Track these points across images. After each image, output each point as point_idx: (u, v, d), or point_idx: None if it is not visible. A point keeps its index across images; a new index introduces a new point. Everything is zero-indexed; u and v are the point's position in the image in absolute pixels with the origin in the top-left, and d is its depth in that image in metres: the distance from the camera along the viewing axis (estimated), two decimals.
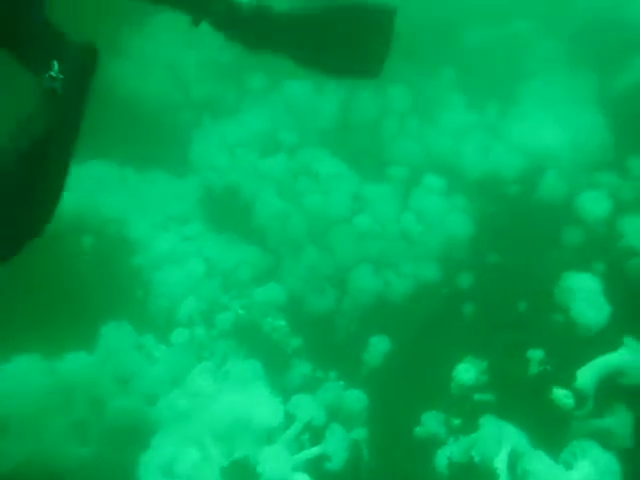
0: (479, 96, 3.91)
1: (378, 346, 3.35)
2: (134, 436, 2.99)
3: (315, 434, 2.54)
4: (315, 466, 2.42)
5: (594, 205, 3.37)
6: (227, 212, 3.99)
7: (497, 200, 3.62)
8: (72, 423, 2.95)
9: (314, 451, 2.42)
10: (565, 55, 4.02)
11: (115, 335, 3.21)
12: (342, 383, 3.23)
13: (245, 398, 2.48)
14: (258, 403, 2.44)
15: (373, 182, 3.82)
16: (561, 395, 2.66)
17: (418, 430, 2.85)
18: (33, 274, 3.37)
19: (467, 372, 2.92)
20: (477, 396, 2.84)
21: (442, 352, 3.08)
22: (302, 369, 3.35)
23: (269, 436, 2.42)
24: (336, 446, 2.42)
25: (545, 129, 3.61)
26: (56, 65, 1.89)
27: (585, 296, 2.91)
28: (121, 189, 3.96)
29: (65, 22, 2.21)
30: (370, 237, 3.68)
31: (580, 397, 2.62)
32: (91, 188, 3.81)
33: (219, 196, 3.99)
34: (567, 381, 2.69)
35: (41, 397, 2.87)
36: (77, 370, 3.01)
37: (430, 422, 2.84)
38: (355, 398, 3.05)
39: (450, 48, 4.04)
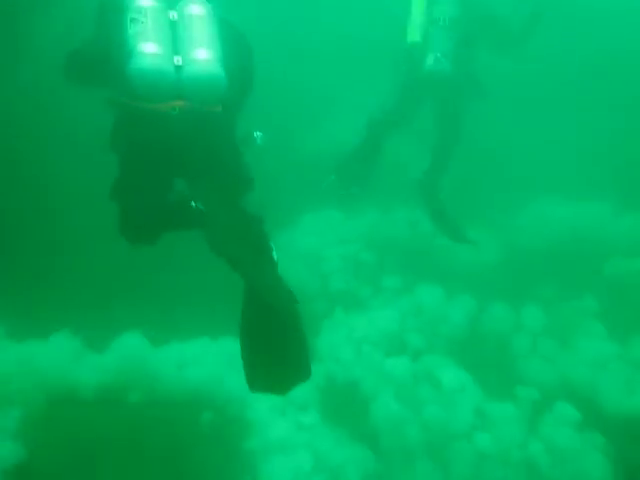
0: (622, 328, 3.72)
1: None
2: None
3: None
4: None
5: None
6: (344, 406, 3.97)
7: None
8: None
9: None
10: None
11: None
12: None
13: None
14: None
15: (498, 400, 3.64)
16: None
17: None
18: (150, 439, 3.52)
19: None
20: None
21: None
22: None
23: None
24: None
25: None
26: None
27: None
28: None
29: None
30: (490, 459, 3.42)
31: None
32: (221, 364, 3.99)
33: (339, 389, 4.00)
34: None
35: None
36: None
37: None
38: None
39: (593, 278, 3.98)
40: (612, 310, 3.88)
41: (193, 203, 2.45)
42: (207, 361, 3.99)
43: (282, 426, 3.82)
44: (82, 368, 3.66)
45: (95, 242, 3.99)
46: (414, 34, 3.82)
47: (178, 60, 2.37)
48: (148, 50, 2.34)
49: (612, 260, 4.08)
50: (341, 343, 4.12)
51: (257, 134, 2.60)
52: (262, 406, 3.92)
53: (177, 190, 2.52)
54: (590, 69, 4.85)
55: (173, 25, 2.44)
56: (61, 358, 3.63)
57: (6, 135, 4.15)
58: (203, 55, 2.39)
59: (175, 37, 2.42)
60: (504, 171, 4.80)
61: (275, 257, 2.46)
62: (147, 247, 2.49)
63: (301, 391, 4.08)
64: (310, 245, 4.79)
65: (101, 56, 2.45)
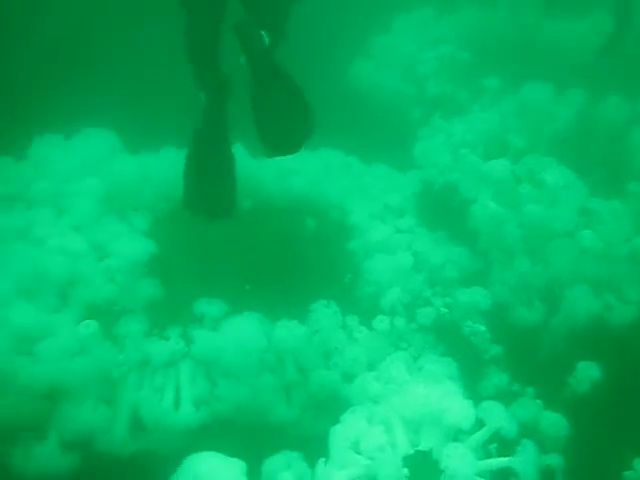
0: None
1: (586, 372, 3.13)
2: (329, 408, 3.25)
3: (504, 446, 2.49)
4: (499, 478, 2.37)
5: None
6: (442, 210, 4.03)
7: None
8: (281, 385, 3.27)
9: (502, 462, 2.37)
10: None
11: (324, 312, 3.46)
12: (540, 402, 3.09)
13: (437, 393, 2.52)
14: (450, 400, 2.46)
15: (605, 197, 3.53)
16: None
17: (629, 475, 2.62)
18: (260, 242, 3.82)
19: None
20: None
21: None
22: (497, 379, 3.28)
23: (456, 435, 2.43)
24: (527, 464, 2.33)
25: None
26: None
27: None
28: (346, 177, 4.21)
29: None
30: (593, 255, 3.42)
31: None
32: (320, 174, 4.12)
33: (437, 193, 4.04)
34: None
35: (258, 354, 3.24)
36: (289, 337, 3.31)
37: None
38: (553, 421, 2.90)
39: None
40: None
41: None
42: (307, 171, 4.12)
43: (382, 229, 3.96)
44: None
45: None
46: None
47: None
48: None
49: None
50: (439, 149, 4.07)
51: None
52: (362, 212, 4.06)
53: None
54: None
55: None
56: (172, 171, 3.87)
57: None
58: None
59: None
60: None
61: None
62: None
63: (398, 198, 4.18)
64: (403, 49, 4.57)
65: None
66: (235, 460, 2.38)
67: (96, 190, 3.58)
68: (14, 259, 3.16)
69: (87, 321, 3.10)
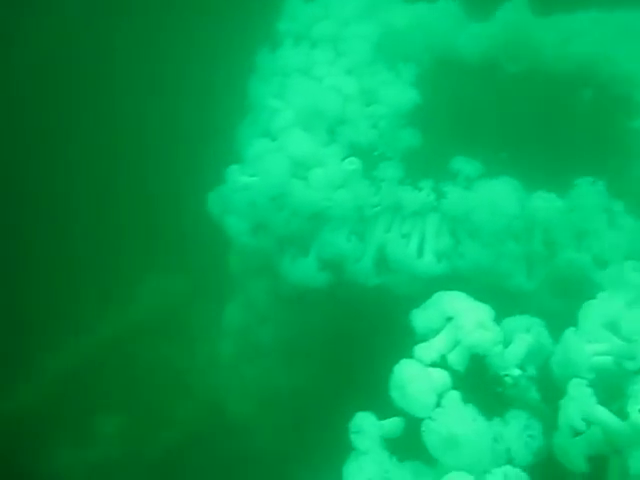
0: None
1: None
2: (573, 288, 3.10)
3: None
4: None
5: None
6: None
7: None
8: (524, 254, 3.19)
9: None
10: None
11: (588, 189, 3.20)
12: None
13: None
14: None
15: None
16: None
17: None
18: (532, 111, 3.56)
19: None
20: None
21: None
22: None
23: None
24: None
25: None
26: None
27: None
28: None
29: None
30: None
31: None
32: (613, 38, 3.62)
33: None
34: None
35: (507, 219, 3.16)
36: (543, 208, 3.16)
37: None
38: None
39: None
40: None
41: None
42: (595, 34, 3.65)
43: None
44: (466, 35, 3.73)
45: None
46: None
47: None
48: None
49: None
50: None
51: None
52: None
53: None
54: None
55: None
56: (446, 24, 3.73)
57: None
58: None
59: None
60: None
61: None
62: None
63: None
64: None
65: None
66: (484, 305, 2.41)
67: (371, 36, 3.63)
68: (296, 93, 3.42)
69: (351, 158, 3.30)
